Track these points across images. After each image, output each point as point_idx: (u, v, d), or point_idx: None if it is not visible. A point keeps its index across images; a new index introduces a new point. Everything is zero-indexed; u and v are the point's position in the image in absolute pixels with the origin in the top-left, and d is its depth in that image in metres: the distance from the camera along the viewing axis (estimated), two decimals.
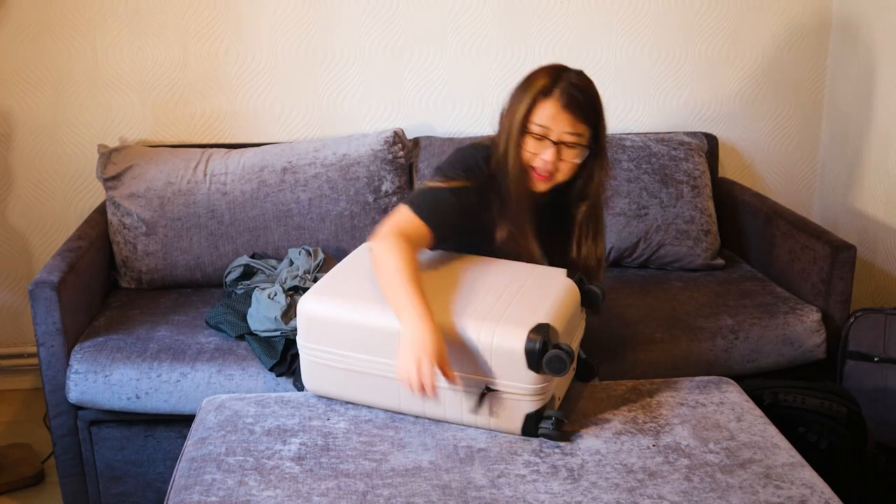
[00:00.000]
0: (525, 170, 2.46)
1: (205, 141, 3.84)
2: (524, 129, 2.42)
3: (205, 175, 3.51)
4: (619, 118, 4.02)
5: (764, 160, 4.16)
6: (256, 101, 3.84)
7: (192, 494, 2.02)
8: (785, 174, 4.19)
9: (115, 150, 3.58)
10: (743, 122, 4.10)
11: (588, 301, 2.45)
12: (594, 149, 2.47)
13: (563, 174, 2.46)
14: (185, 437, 2.29)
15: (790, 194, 4.18)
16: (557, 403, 2.33)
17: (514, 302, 2.30)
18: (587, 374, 2.55)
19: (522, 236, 2.52)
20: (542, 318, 2.22)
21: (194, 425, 2.33)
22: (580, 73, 2.47)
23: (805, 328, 3.23)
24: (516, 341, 2.17)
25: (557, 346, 2.17)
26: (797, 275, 3.41)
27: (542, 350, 2.15)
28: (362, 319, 2.28)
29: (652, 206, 3.65)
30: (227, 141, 3.84)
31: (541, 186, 2.48)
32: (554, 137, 2.40)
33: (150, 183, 3.48)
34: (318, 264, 3.29)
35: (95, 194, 3.79)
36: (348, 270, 2.48)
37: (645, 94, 4.02)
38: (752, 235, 3.72)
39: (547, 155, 2.41)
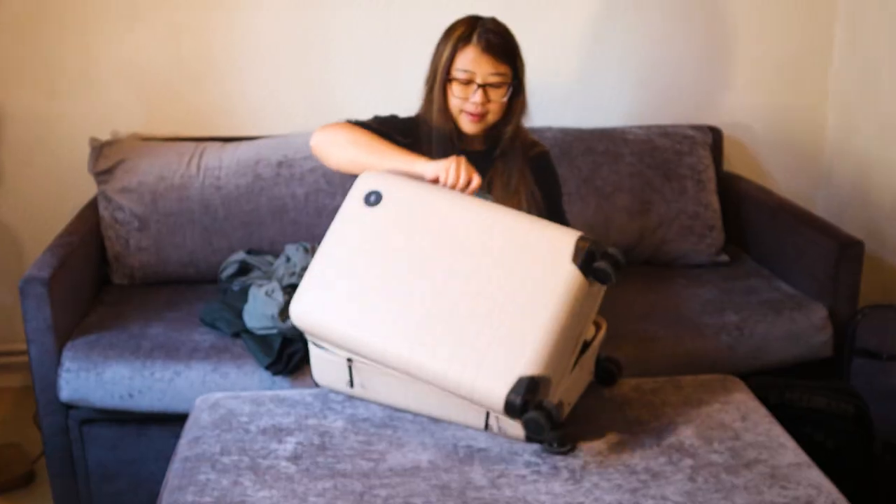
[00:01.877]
0: (451, 117, 2.67)
1: (198, 134, 3.82)
2: (448, 77, 2.63)
3: (198, 169, 3.51)
4: (622, 111, 4.01)
5: (769, 154, 4.16)
6: (251, 94, 3.84)
7: (186, 495, 2.02)
8: (791, 168, 4.19)
9: (107, 143, 3.58)
10: (748, 114, 4.10)
11: (598, 280, 2.19)
12: (516, 87, 2.66)
13: (493, 114, 2.66)
14: (178, 437, 2.29)
15: (796, 188, 4.17)
16: (567, 410, 2.30)
17: (499, 328, 2.13)
18: (607, 378, 2.49)
19: None
20: (526, 367, 2.08)
21: (188, 424, 2.33)
22: (494, 19, 2.68)
23: (811, 325, 3.23)
24: (496, 400, 2.08)
25: (539, 406, 2.07)
26: (803, 270, 3.40)
27: (522, 407, 2.06)
28: (352, 333, 2.25)
29: (655, 201, 3.65)
30: (222, 134, 3.83)
31: (473, 128, 2.67)
32: (479, 80, 2.60)
33: (143, 177, 3.48)
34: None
35: (87, 189, 3.77)
36: (329, 264, 2.36)
37: (648, 87, 4.02)
38: (758, 230, 3.72)
39: (476, 97, 2.61)
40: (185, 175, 3.49)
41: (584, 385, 2.39)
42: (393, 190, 2.37)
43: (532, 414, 2.06)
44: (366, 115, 3.80)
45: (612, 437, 2.25)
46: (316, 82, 3.85)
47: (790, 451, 2.20)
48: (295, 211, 3.50)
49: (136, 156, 3.53)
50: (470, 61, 2.60)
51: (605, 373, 2.47)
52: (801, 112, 4.13)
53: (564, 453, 2.17)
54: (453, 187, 2.37)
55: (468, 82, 2.61)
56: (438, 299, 2.20)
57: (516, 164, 2.73)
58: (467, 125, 2.66)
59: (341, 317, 2.26)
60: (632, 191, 3.64)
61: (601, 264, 2.13)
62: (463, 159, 2.39)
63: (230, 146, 3.62)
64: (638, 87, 4.01)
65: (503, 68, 2.61)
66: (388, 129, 2.67)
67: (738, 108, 4.09)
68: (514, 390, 2.06)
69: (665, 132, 3.79)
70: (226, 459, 2.14)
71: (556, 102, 3.96)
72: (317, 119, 3.83)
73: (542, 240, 2.20)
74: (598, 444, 2.21)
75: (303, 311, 2.31)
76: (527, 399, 2.05)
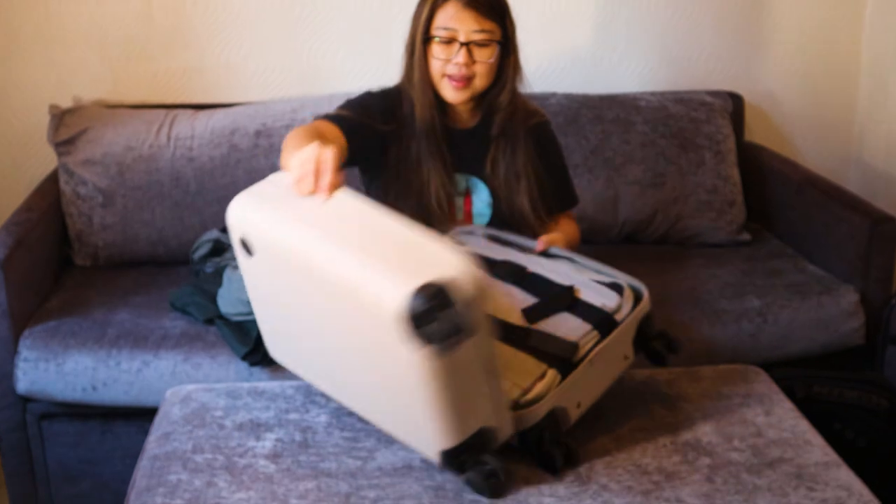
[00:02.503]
0: (431, 85, 2.60)
1: (169, 101, 3.82)
2: (428, 37, 2.57)
3: (169, 139, 3.50)
4: (633, 76, 4.01)
5: (795, 122, 4.15)
6: (227, 57, 3.82)
7: (155, 497, 2.02)
8: (818, 138, 4.18)
9: (69, 111, 3.57)
10: (772, 79, 4.09)
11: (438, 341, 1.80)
12: (506, 47, 2.60)
13: (480, 78, 2.58)
14: (146, 433, 2.29)
15: (824, 161, 4.16)
16: (577, 413, 2.16)
17: (397, 410, 2.05)
18: (657, 358, 2.30)
19: (419, 163, 2.65)
20: (445, 443, 1.97)
21: (157, 419, 2.32)
22: None
23: (841, 310, 3.23)
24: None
25: (478, 463, 2.00)
26: (832, 250, 3.40)
27: (462, 469, 2.02)
28: (313, 381, 2.28)
29: (670, 174, 3.64)
30: (195, 101, 3.83)
31: (458, 96, 2.60)
32: (462, 38, 2.53)
33: (108, 148, 3.47)
34: None
35: (46, 161, 3.76)
36: (261, 313, 2.31)
37: (662, 49, 4.00)
38: (782, 207, 3.71)
39: (459, 57, 2.54)
40: (155, 145, 3.48)
41: (609, 378, 2.26)
42: (255, 234, 2.08)
43: (469, 475, 2.02)
44: (354, 83, 3.83)
45: (621, 434, 2.24)
46: (299, 44, 3.83)
47: (818, 450, 2.19)
48: None
49: (101, 124, 3.53)
50: (450, 18, 2.53)
51: (653, 353, 2.30)
52: (830, 78, 4.12)
53: (553, 473, 2.10)
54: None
55: (450, 41, 2.54)
56: (338, 371, 2.16)
57: (519, 140, 2.68)
58: (451, 92, 2.60)
59: (296, 365, 2.30)
60: (644, 162, 3.64)
61: (435, 327, 1.76)
62: (312, 150, 2.03)
63: (204, 114, 3.62)
64: (651, 48, 4.00)
65: (489, 25, 2.54)
66: (361, 114, 2.61)
67: (761, 72, 4.08)
68: (444, 464, 2.03)
69: (681, 98, 3.78)
70: (199, 458, 2.14)
71: (560, 65, 3.95)
72: (299, 84, 3.84)
73: (371, 312, 1.83)
74: (606, 442, 2.21)
75: (275, 355, 2.36)
76: (462, 461, 2.01)
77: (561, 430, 2.11)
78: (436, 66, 2.57)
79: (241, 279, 3.02)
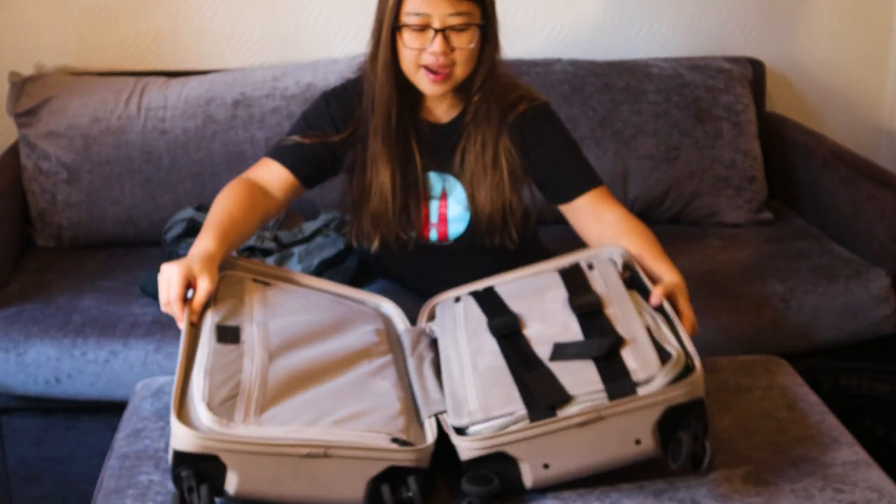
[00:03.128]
0: (394, 78, 2.53)
1: (140, 68, 3.81)
2: (398, 25, 2.47)
3: (139, 109, 3.50)
4: (645, 40, 4.00)
5: (821, 91, 4.15)
6: (202, 20, 3.81)
7: (124, 499, 2.01)
8: (847, 108, 4.18)
9: (30, 78, 3.57)
10: (795, 44, 4.08)
11: None
12: (486, 30, 2.53)
13: (461, 67, 2.50)
14: (115, 429, 2.28)
15: (852, 133, 4.16)
16: (540, 476, 2.00)
17: None
18: (676, 449, 2.00)
19: (375, 165, 2.61)
20: None
21: (126, 414, 2.32)
22: None
23: (871, 296, 3.22)
24: None
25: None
26: (861, 230, 3.40)
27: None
28: None
29: (684, 148, 3.63)
30: (167, 68, 3.82)
31: (438, 89, 2.52)
32: (437, 24, 2.44)
33: (73, 119, 3.46)
34: (279, 220, 3.27)
35: (6, 133, 3.75)
36: None
37: (676, 11, 3.99)
38: (807, 183, 3.71)
39: (434, 46, 2.45)
40: (124, 116, 3.48)
41: (603, 455, 2.01)
42: None
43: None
44: (339, 48, 3.83)
45: None
46: (279, 5, 3.82)
47: (846, 448, 2.19)
48: (254, 159, 3.44)
49: (65, 93, 3.52)
50: (422, 1, 2.42)
51: (674, 445, 2.01)
52: (859, 43, 4.11)
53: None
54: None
55: (423, 28, 2.45)
56: None
57: (493, 130, 2.59)
58: (428, 86, 2.52)
59: None
60: (657, 135, 3.63)
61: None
62: (165, 275, 2.20)
63: (177, 82, 3.61)
64: (664, 10, 3.99)
65: (465, 6, 2.44)
66: (312, 133, 2.61)
67: (784, 37, 4.07)
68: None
69: (696, 65, 3.78)
70: None
71: (565, 29, 3.94)
72: (280, 49, 3.83)
73: None
74: None
75: None
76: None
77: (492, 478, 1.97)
78: (409, 56, 2.49)
79: None
